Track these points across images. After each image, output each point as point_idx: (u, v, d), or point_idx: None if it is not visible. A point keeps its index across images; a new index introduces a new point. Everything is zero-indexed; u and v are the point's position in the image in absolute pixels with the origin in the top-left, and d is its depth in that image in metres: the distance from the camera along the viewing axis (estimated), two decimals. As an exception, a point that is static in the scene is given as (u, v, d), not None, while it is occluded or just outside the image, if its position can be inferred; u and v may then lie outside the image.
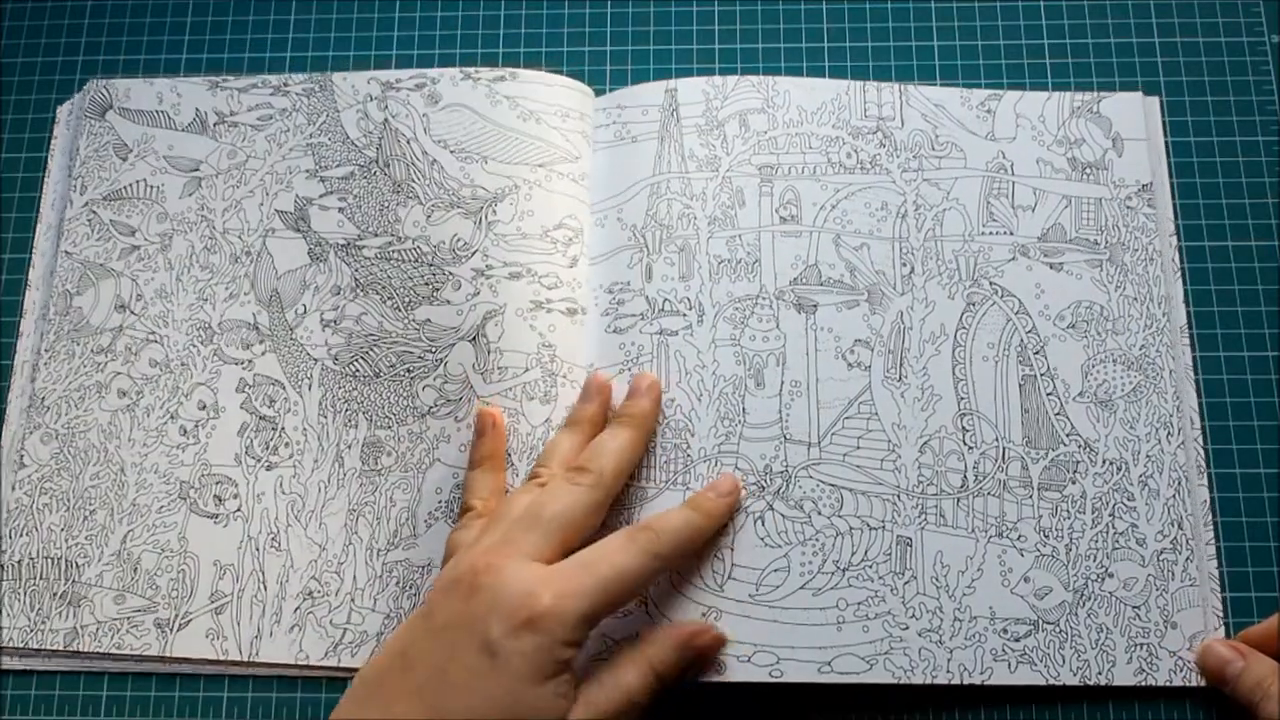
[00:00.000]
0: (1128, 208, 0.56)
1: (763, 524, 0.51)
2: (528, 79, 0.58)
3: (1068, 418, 0.53)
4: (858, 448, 0.52)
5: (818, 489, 0.52)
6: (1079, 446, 0.52)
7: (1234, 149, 0.59)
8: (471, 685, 0.42)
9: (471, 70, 0.58)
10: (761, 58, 0.61)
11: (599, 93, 0.59)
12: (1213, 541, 0.52)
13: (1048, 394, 0.53)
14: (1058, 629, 0.50)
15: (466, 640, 0.43)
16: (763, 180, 0.56)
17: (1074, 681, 0.49)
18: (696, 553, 0.50)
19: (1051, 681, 0.49)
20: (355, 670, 0.50)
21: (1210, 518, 0.52)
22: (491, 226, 0.55)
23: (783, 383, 0.53)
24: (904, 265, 0.55)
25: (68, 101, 0.62)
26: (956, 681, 0.49)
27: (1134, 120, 0.58)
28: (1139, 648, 0.50)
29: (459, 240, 0.55)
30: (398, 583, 0.52)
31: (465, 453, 0.53)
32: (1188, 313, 0.55)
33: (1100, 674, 0.50)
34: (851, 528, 0.51)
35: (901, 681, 0.49)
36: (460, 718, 0.42)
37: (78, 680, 0.53)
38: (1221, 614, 0.51)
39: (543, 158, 0.57)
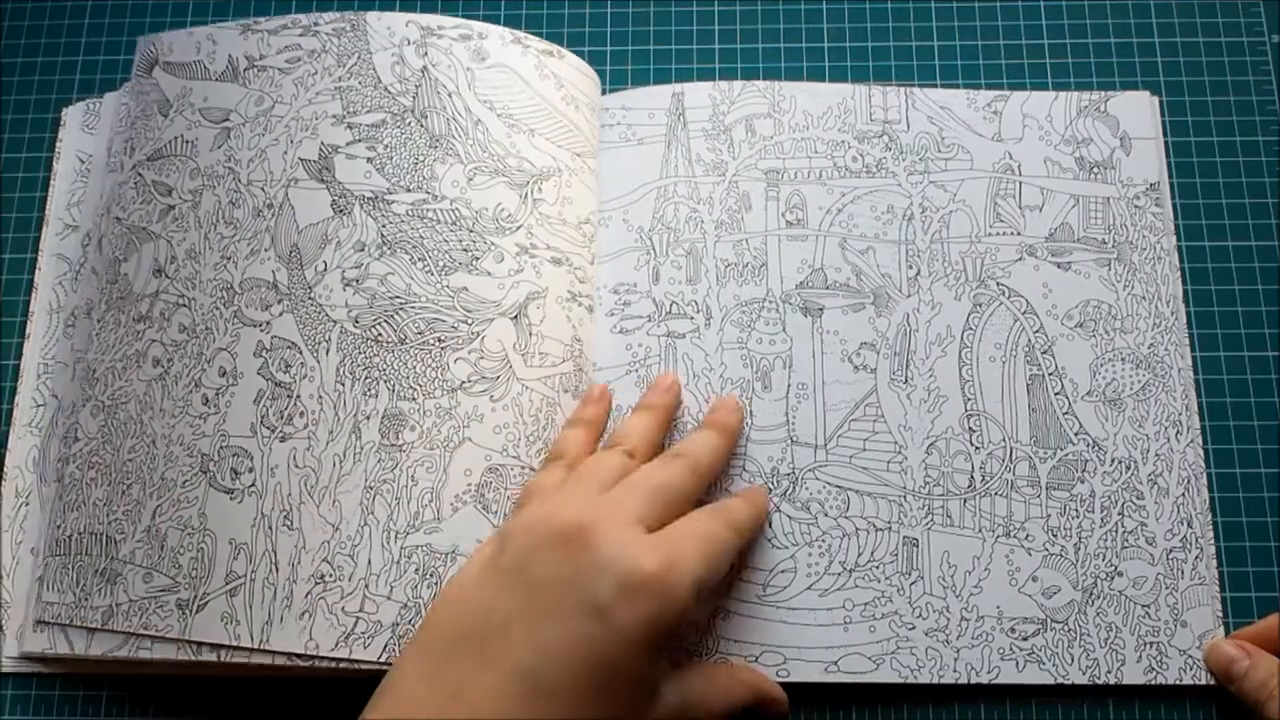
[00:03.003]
0: (1135, 207, 0.56)
1: (770, 525, 0.52)
2: (571, 62, 0.57)
3: (1076, 417, 0.53)
4: (864, 449, 0.53)
5: (824, 490, 0.52)
6: (1087, 445, 0.53)
7: (1234, 149, 0.59)
8: (577, 653, 0.40)
9: (521, 35, 0.56)
10: (761, 58, 0.61)
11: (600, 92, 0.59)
12: (1213, 541, 0.52)
13: (1055, 393, 0.53)
14: (1066, 628, 0.50)
15: (571, 602, 0.41)
16: (769, 185, 0.56)
17: (1083, 680, 0.50)
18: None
19: (1060, 680, 0.50)
20: (366, 662, 0.48)
21: (1210, 518, 0.52)
22: (537, 205, 0.54)
23: (789, 385, 0.53)
24: (910, 268, 0.55)
25: (71, 105, 0.62)
26: (964, 681, 0.50)
27: (1142, 119, 0.58)
28: (1148, 646, 0.50)
29: (503, 211, 0.53)
30: (417, 570, 0.49)
31: (499, 435, 0.51)
32: (1188, 313, 0.56)
33: (1110, 673, 0.50)
34: (858, 529, 0.52)
35: (908, 681, 0.50)
36: (563, 691, 0.39)
37: (78, 682, 0.53)
38: (1221, 614, 0.51)
39: (581, 147, 0.56)
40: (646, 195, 0.57)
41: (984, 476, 0.52)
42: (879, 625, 0.50)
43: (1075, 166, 0.57)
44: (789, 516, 0.52)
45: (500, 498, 0.50)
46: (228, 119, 0.56)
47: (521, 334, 0.52)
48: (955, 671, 0.50)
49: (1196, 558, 0.51)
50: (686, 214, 0.56)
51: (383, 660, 0.48)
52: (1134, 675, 0.50)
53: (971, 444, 0.53)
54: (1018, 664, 0.50)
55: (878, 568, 0.51)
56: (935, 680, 0.50)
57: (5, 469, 0.55)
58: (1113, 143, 0.57)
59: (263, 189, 0.54)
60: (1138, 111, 0.58)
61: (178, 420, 0.52)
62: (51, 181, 0.60)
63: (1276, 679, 0.48)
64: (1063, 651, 0.50)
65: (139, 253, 0.55)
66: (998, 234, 0.56)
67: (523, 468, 0.51)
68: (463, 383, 0.51)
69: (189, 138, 0.56)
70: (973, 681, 0.50)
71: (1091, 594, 0.51)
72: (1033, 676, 0.50)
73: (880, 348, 0.54)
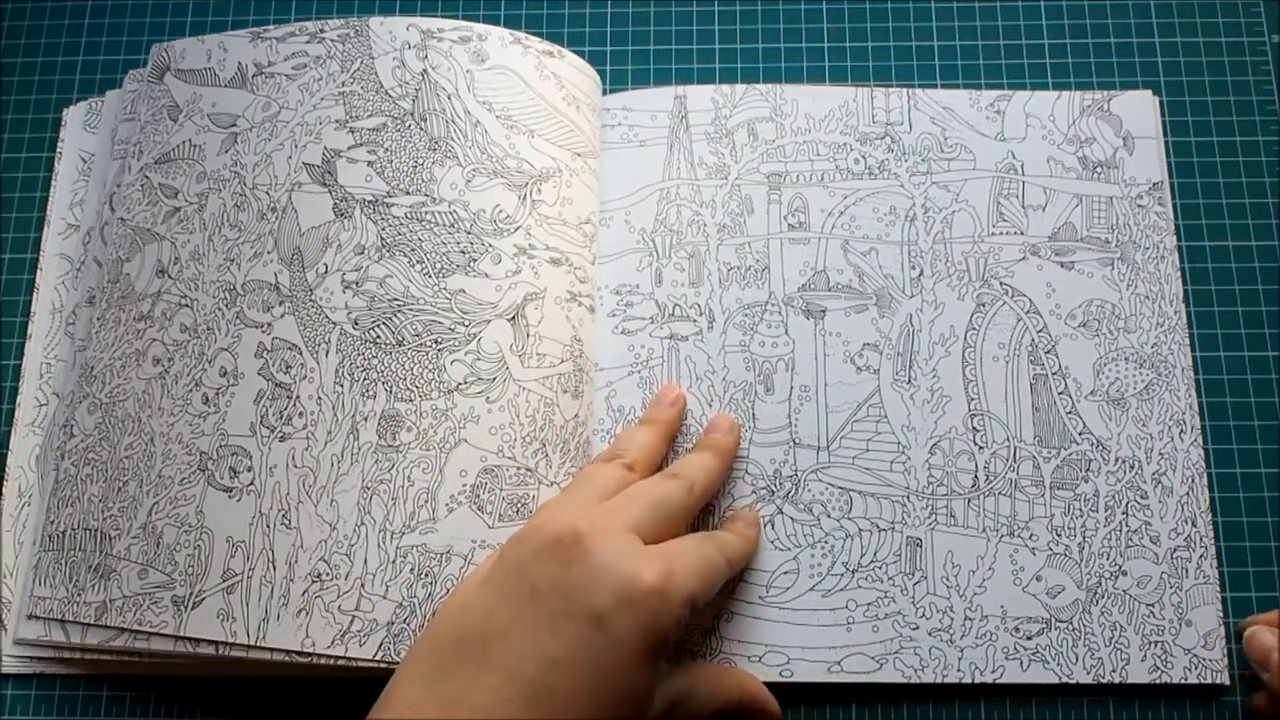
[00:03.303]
0: (1139, 206, 0.56)
1: (772, 527, 0.52)
2: (571, 62, 0.57)
3: (1079, 416, 0.53)
4: (867, 450, 0.53)
5: (827, 492, 0.52)
6: (1091, 445, 0.53)
7: (1234, 149, 0.59)
8: (575, 659, 0.40)
9: (521, 35, 0.56)
10: (762, 58, 0.61)
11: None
12: (1213, 541, 0.52)
13: (1059, 393, 0.53)
14: (1071, 627, 0.50)
15: (569, 609, 0.41)
16: (771, 188, 0.56)
17: (1088, 680, 0.50)
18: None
19: (1065, 680, 0.49)
20: (362, 660, 0.48)
21: (1211, 517, 0.52)
22: (536, 206, 0.54)
23: (792, 388, 0.53)
24: (913, 268, 0.55)
25: (72, 105, 0.62)
26: (968, 680, 0.50)
27: (1145, 118, 0.58)
28: (1153, 645, 0.50)
29: (501, 212, 0.53)
30: (412, 569, 0.49)
31: (495, 436, 0.51)
32: (1188, 313, 0.56)
33: (1115, 672, 0.50)
34: (861, 530, 0.52)
35: (912, 681, 0.50)
36: (561, 696, 0.40)
37: (78, 682, 0.53)
38: (1221, 614, 0.51)
39: (581, 148, 0.56)
40: (649, 197, 0.57)
41: (988, 476, 0.52)
42: (882, 625, 0.50)
43: (1078, 166, 0.57)
44: (791, 519, 0.52)
45: (495, 498, 0.50)
46: (235, 124, 0.56)
47: (519, 335, 0.52)
48: (959, 671, 0.50)
49: (1201, 556, 0.51)
50: (689, 217, 0.56)
51: (378, 658, 0.48)
52: (1139, 674, 0.50)
53: (975, 444, 0.53)
54: (1022, 663, 0.50)
55: (881, 568, 0.51)
56: (939, 680, 0.50)
57: (8, 468, 0.56)
58: (1115, 142, 0.57)
59: (267, 193, 0.55)
60: (1140, 111, 0.58)
61: (177, 419, 0.52)
62: (53, 181, 0.60)
63: None
64: (1067, 651, 0.50)
65: (142, 253, 0.55)
66: (1001, 234, 0.56)
67: (518, 468, 0.51)
68: (459, 384, 0.51)
69: (197, 142, 0.57)
70: (977, 681, 0.50)
71: (1096, 593, 0.51)
72: (1037, 676, 0.50)
73: (883, 348, 0.54)
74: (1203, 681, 0.50)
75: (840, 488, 0.52)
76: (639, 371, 0.54)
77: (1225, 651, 0.50)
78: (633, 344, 0.55)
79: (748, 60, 0.61)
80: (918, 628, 0.50)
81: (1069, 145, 0.57)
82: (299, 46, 0.57)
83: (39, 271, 0.59)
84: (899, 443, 0.53)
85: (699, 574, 0.43)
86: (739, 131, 0.57)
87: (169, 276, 0.55)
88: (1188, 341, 0.54)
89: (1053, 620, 0.50)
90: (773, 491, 0.52)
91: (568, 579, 0.41)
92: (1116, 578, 0.51)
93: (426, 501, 0.50)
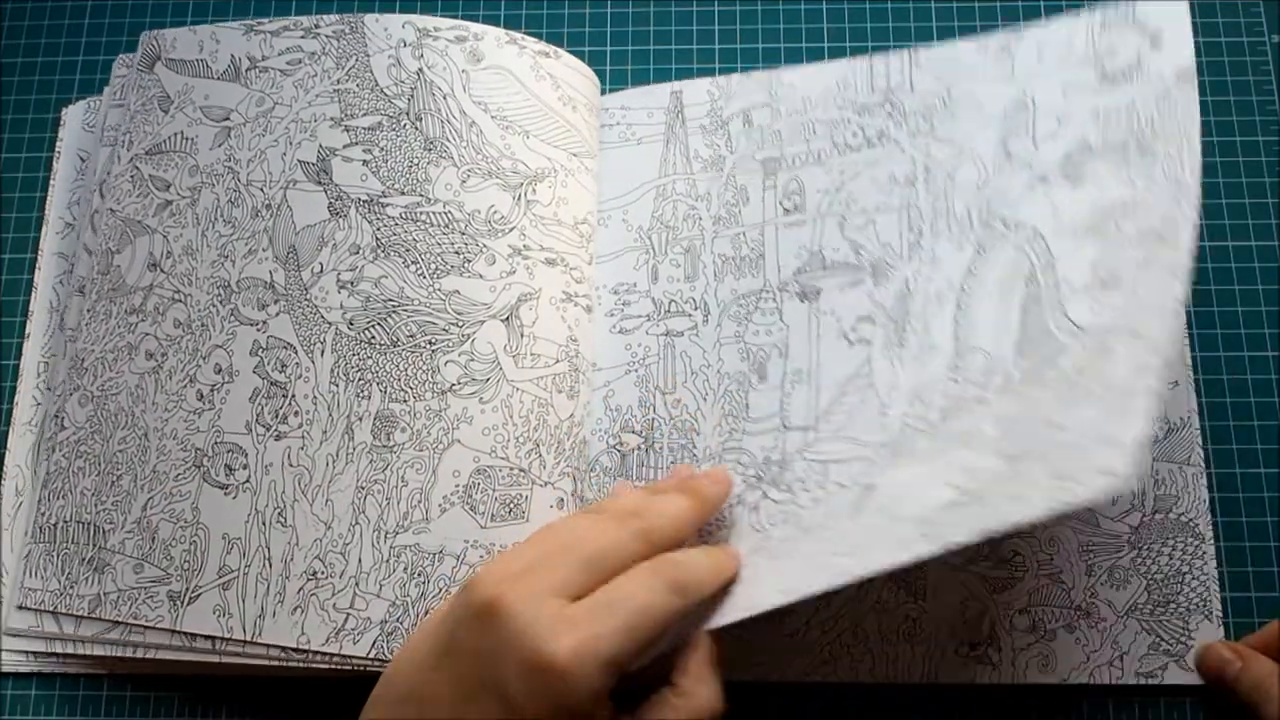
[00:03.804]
0: (1164, 99, 0.47)
1: (756, 513, 0.50)
2: (568, 62, 0.57)
3: (1067, 316, 0.46)
4: (851, 419, 0.50)
5: (807, 468, 0.50)
6: (1070, 334, 0.45)
7: (1234, 149, 0.59)
8: None
9: (517, 35, 0.56)
10: (761, 57, 0.61)
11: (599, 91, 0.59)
12: (1213, 541, 0.52)
13: (1050, 288, 0.47)
14: None
15: (484, 681, 0.39)
16: (766, 174, 0.56)
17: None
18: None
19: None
20: (356, 659, 0.49)
21: (1210, 518, 0.52)
22: (531, 206, 0.54)
23: (784, 373, 0.52)
24: (911, 230, 0.52)
25: (71, 105, 0.62)
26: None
27: (1176, 18, 0.48)
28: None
29: (495, 213, 0.53)
30: (405, 569, 0.49)
31: (489, 437, 0.50)
32: (1187, 313, 0.55)
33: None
34: (830, 494, 0.48)
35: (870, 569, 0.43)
36: None
37: (78, 681, 0.53)
38: (1221, 614, 0.51)
39: (577, 148, 0.56)
40: (646, 195, 0.57)
41: (957, 406, 0.47)
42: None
43: (1096, 82, 0.50)
44: (774, 501, 0.49)
45: (488, 499, 0.50)
46: (228, 118, 0.56)
47: (513, 336, 0.52)
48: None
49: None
50: (685, 211, 0.56)
51: (372, 656, 0.48)
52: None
53: (953, 380, 0.48)
54: None
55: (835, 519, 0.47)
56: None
57: (5, 467, 0.56)
58: (1139, 42, 0.49)
59: (262, 189, 0.55)
60: (1172, 14, 0.49)
61: (171, 414, 0.53)
62: (51, 181, 0.61)
63: (1271, 680, 0.47)
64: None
65: (133, 245, 0.55)
66: (1007, 174, 0.51)
67: (511, 469, 0.51)
68: (453, 385, 0.51)
69: (189, 135, 0.57)
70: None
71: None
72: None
73: (878, 318, 0.51)
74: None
75: (820, 461, 0.49)
76: (636, 370, 0.54)
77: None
78: (630, 342, 0.54)
79: (747, 60, 0.61)
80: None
81: (1086, 65, 0.50)
82: (293, 41, 0.57)
83: (37, 271, 0.59)
84: (881, 403, 0.49)
85: (627, 632, 0.40)
86: (734, 121, 0.57)
87: (161, 270, 0.55)
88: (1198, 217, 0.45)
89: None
90: (760, 478, 0.51)
91: (483, 649, 0.40)
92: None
93: (420, 502, 0.50)
